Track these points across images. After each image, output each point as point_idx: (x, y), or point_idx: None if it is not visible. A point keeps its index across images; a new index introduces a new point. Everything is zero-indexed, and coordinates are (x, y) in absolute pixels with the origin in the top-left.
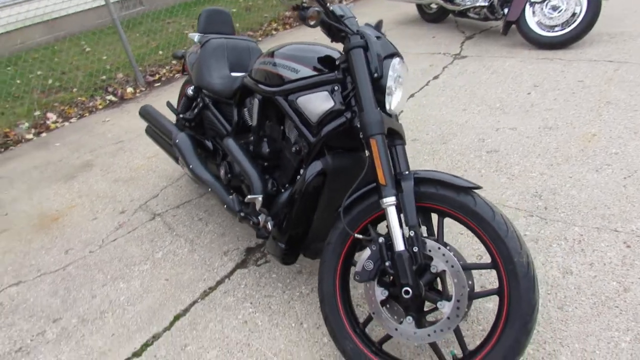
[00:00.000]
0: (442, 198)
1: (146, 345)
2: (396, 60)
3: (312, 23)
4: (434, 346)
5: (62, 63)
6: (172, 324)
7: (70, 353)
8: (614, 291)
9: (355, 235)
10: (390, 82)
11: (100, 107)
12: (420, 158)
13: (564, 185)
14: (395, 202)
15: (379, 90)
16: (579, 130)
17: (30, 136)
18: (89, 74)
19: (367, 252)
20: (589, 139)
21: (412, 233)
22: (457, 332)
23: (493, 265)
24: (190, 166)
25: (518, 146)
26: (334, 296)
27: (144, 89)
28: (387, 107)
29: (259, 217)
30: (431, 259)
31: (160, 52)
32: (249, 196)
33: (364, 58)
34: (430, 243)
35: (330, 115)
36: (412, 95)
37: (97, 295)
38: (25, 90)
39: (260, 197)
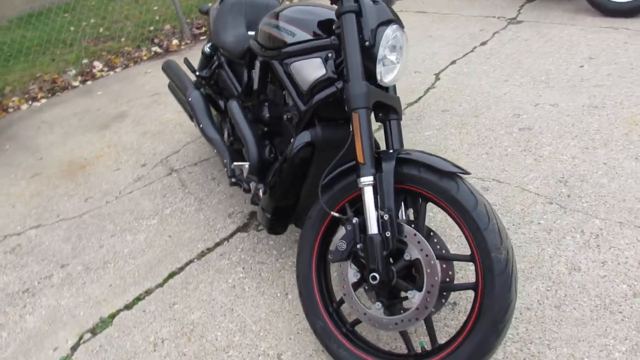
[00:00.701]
0: (424, 182)
1: (138, 299)
2: (392, 27)
3: None
4: (403, 335)
5: (115, 12)
6: (165, 280)
7: (69, 299)
8: (621, 295)
9: (332, 213)
10: (382, 52)
11: (145, 58)
12: (447, 131)
13: (595, 172)
14: (372, 182)
15: (371, 60)
16: (627, 112)
17: (76, 83)
18: (137, 24)
19: (342, 231)
20: (636, 122)
21: (386, 216)
22: (429, 324)
23: (471, 258)
24: (200, 125)
25: (554, 125)
26: (309, 273)
27: (189, 41)
28: (379, 78)
29: (250, 184)
30: (406, 245)
31: (210, 5)
32: (234, 163)
33: (356, 24)
34: (407, 229)
35: (321, 84)
36: (453, 62)
37: (104, 245)
38: (76, 38)
39: (247, 165)
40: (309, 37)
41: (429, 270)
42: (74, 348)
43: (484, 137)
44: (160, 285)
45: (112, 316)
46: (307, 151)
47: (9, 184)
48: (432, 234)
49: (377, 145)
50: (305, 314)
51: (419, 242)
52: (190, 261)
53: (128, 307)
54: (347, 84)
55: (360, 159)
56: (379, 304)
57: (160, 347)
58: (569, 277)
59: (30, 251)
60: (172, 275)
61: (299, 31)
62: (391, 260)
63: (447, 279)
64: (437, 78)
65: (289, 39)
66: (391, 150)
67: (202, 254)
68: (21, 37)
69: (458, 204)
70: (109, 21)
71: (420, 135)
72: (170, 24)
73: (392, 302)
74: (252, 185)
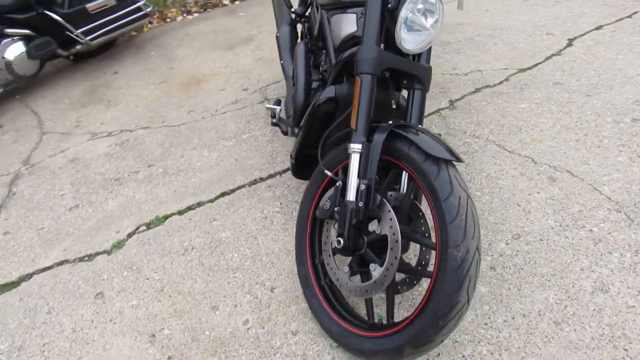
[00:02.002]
0: (410, 160)
1: (189, 208)
2: None
3: None
4: (367, 302)
5: None
6: (216, 198)
7: (142, 194)
8: (639, 332)
9: (327, 172)
10: (403, 15)
11: None
12: (545, 107)
13: None
14: (360, 150)
15: (394, 23)
16: None
17: (226, 2)
18: None
19: (331, 191)
20: None
21: (363, 187)
22: (389, 299)
23: (435, 247)
24: (281, 61)
25: None
26: (305, 224)
27: None
28: (398, 42)
29: (288, 128)
30: (380, 219)
31: None
32: (267, 105)
33: None
34: (385, 204)
35: (350, 41)
36: (599, 27)
37: (185, 155)
38: None
39: (278, 109)
40: None
41: (391, 248)
42: (129, 235)
43: (584, 121)
44: (211, 200)
45: (166, 217)
46: (329, 105)
47: (141, 87)
48: (421, 214)
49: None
50: (295, 260)
51: (390, 219)
52: (242, 186)
53: (180, 212)
54: (360, 46)
55: (353, 125)
56: (347, 268)
57: (188, 253)
58: (589, 296)
59: (133, 147)
60: (223, 194)
61: None
62: (367, 229)
63: (423, 262)
64: (569, 44)
65: None
66: (389, 122)
67: (254, 182)
68: None
69: (433, 191)
70: None
71: (513, 107)
72: None
73: (359, 269)
74: (289, 129)
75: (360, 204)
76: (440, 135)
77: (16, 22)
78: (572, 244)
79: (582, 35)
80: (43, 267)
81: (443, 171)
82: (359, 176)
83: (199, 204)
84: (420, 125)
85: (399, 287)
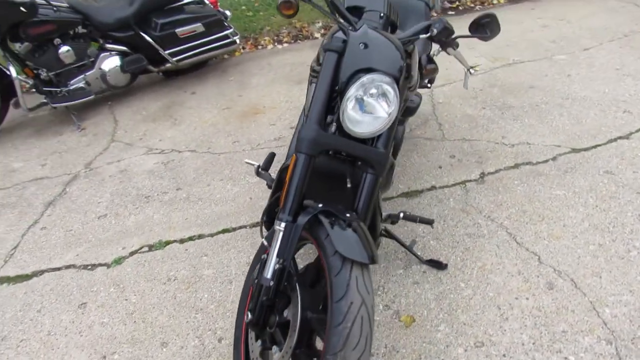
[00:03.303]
0: (323, 248)
1: (190, 238)
2: (369, 77)
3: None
4: None
5: None
6: (217, 233)
7: (159, 215)
8: None
9: (263, 241)
10: (347, 101)
11: None
12: (585, 198)
13: None
14: (282, 230)
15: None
16: None
17: (317, 35)
18: None
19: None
20: None
21: (277, 266)
22: None
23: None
24: None
25: None
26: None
27: (435, 14)
28: (344, 125)
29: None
30: (288, 303)
31: None
32: (245, 160)
33: (334, 64)
34: (295, 289)
35: None
36: None
37: (211, 184)
38: None
39: (256, 164)
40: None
41: (290, 336)
42: (131, 253)
43: (619, 223)
44: (212, 235)
45: (167, 243)
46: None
47: (207, 110)
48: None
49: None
50: (235, 320)
51: (296, 306)
52: (244, 226)
53: (181, 241)
54: (302, 123)
55: (281, 202)
56: (260, 342)
57: (169, 283)
58: None
59: (173, 168)
60: (224, 231)
61: None
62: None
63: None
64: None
65: None
66: (319, 205)
67: (255, 224)
68: None
69: (331, 288)
70: None
71: (546, 192)
72: None
73: (265, 346)
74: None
75: (271, 283)
76: (403, 214)
77: (115, 39)
78: None
79: None
80: (54, 267)
81: (345, 270)
82: (277, 255)
83: (200, 236)
84: (355, 214)
85: None
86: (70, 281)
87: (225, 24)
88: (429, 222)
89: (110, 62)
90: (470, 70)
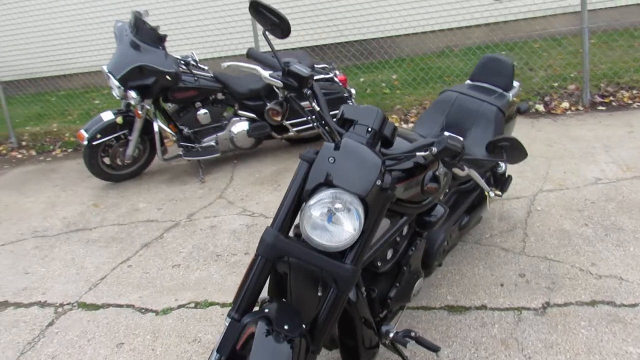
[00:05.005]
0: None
1: (230, 305)
2: (327, 192)
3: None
4: None
5: (538, 59)
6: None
7: (218, 276)
8: None
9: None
10: (307, 211)
11: None
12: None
13: None
14: (227, 325)
15: None
16: None
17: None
18: (545, 77)
19: None
20: None
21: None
22: None
23: None
24: None
25: None
26: None
27: (581, 108)
28: (303, 236)
29: None
30: None
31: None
32: None
33: (304, 173)
34: None
35: None
36: None
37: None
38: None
39: None
40: None
41: None
42: (179, 307)
43: None
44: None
45: (211, 304)
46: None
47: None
48: None
49: None
50: None
51: None
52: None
53: (223, 305)
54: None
55: (233, 297)
56: None
57: (192, 344)
58: None
59: (253, 232)
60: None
61: None
62: None
63: None
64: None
65: None
66: (266, 310)
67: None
68: (442, 65)
69: None
70: (527, 66)
71: (616, 347)
72: (578, 85)
73: None
74: None
75: None
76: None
77: (247, 106)
78: None
79: None
80: (118, 304)
81: None
82: (217, 350)
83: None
84: (304, 328)
85: None
86: (123, 320)
87: (349, 101)
88: (435, 350)
89: (239, 127)
90: (490, 192)
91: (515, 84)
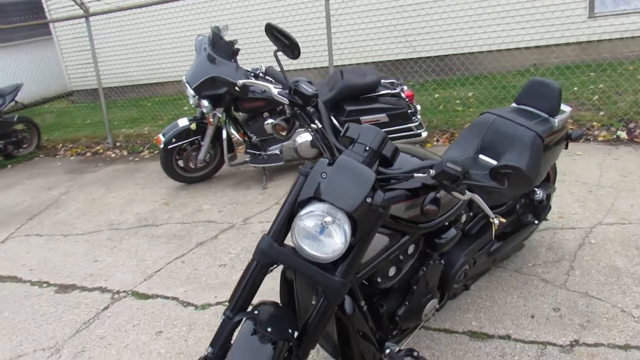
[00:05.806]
0: None
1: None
2: (316, 206)
3: (282, 133)
4: None
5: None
6: None
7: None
8: None
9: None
10: (296, 222)
11: (599, 139)
12: None
13: None
14: (221, 320)
15: None
16: None
17: None
18: (633, 103)
19: None
20: None
21: (206, 353)
22: None
23: None
24: None
25: None
26: None
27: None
28: (295, 245)
29: None
30: None
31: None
32: None
33: (300, 187)
34: None
35: None
36: None
37: None
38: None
39: None
40: None
41: None
42: (217, 304)
43: None
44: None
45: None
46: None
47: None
48: None
49: None
50: None
51: None
52: None
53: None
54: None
55: (229, 296)
56: None
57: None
58: None
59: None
60: None
61: None
62: None
63: None
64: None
65: None
66: (255, 312)
67: None
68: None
69: None
70: (613, 91)
71: None
72: None
73: None
74: None
75: None
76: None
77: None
78: None
79: None
80: (165, 296)
81: None
82: (211, 344)
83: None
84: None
85: None
86: (167, 311)
87: (413, 117)
88: None
89: (303, 137)
90: (494, 219)
91: (566, 108)
